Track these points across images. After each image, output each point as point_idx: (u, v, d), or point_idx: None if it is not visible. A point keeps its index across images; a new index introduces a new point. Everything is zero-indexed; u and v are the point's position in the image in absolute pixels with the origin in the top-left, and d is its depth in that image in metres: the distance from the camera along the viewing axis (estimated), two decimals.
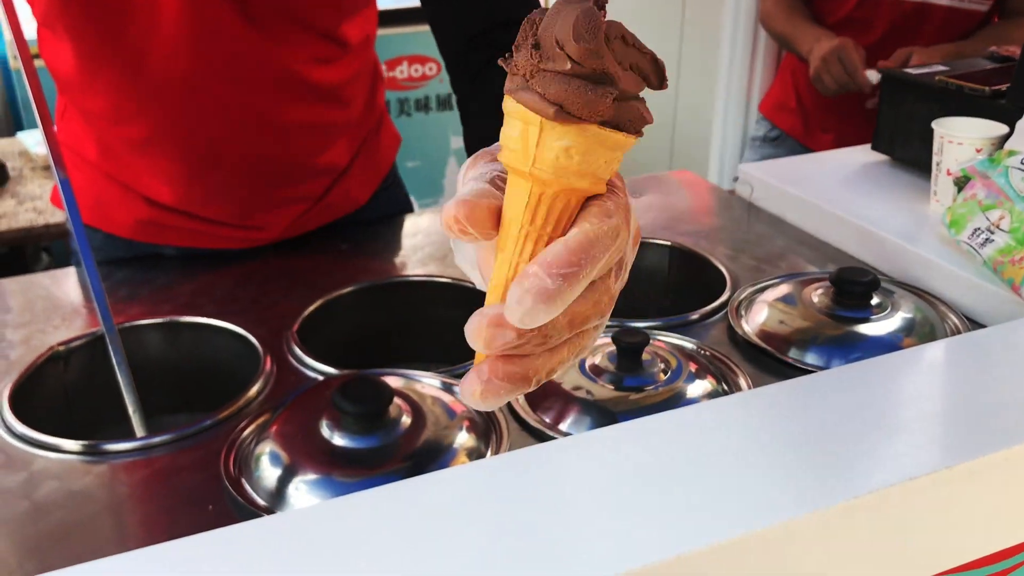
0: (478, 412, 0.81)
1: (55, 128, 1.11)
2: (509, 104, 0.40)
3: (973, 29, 1.73)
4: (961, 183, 1.04)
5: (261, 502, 0.70)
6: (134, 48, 0.95)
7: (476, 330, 0.41)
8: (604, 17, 0.38)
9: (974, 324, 0.96)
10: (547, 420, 0.81)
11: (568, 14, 0.37)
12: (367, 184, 1.20)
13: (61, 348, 0.93)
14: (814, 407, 0.74)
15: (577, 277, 0.39)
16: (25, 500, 0.73)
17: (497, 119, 0.42)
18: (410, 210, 1.30)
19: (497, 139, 0.43)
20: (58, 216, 2.23)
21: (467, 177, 0.45)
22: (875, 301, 0.95)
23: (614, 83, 0.38)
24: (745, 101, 2.54)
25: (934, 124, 1.13)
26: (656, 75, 0.41)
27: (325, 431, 0.74)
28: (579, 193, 0.41)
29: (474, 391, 0.42)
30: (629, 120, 0.40)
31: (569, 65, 0.38)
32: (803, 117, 1.86)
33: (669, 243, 1.17)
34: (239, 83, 0.99)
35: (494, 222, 0.42)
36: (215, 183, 1.05)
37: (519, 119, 0.40)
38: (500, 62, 0.41)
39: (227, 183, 1.05)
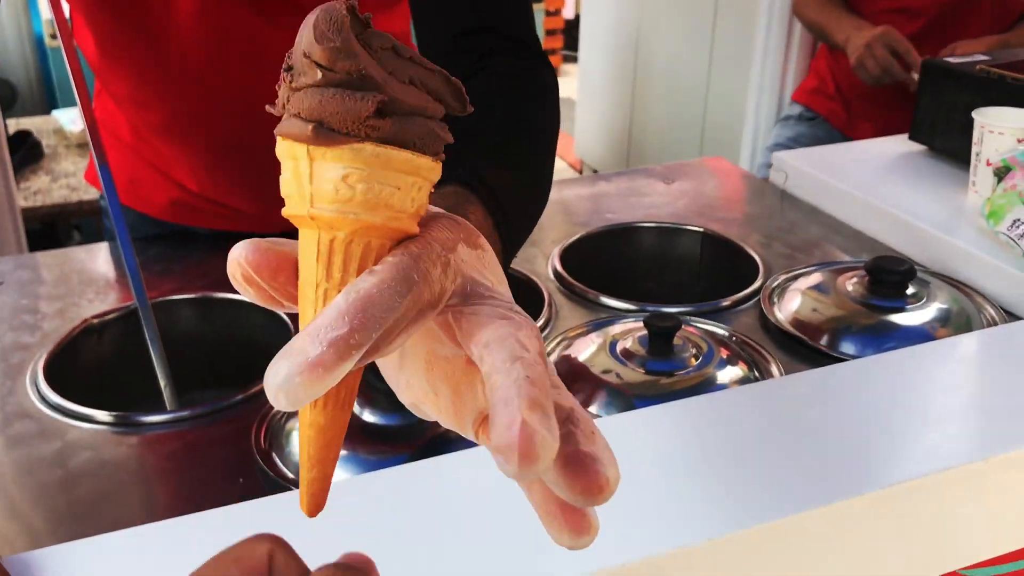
0: None
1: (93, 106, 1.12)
2: (279, 147, 0.34)
3: (1019, 20, 1.71)
4: (1001, 173, 1.02)
5: (291, 475, 0.71)
6: (152, 36, 0.95)
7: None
8: (350, 18, 0.33)
9: (1011, 316, 0.95)
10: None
11: (309, 21, 0.33)
12: None
13: (95, 321, 0.94)
14: (846, 396, 0.73)
15: (348, 343, 0.30)
16: (59, 469, 0.74)
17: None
18: None
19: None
20: (92, 193, 2.26)
21: None
22: (910, 291, 0.94)
23: (380, 88, 0.33)
24: (779, 89, 2.52)
25: (974, 113, 1.11)
26: (453, 96, 0.35)
27: (355, 407, 0.74)
28: (378, 233, 0.34)
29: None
30: (419, 138, 0.34)
31: (320, 74, 0.33)
32: (843, 103, 1.83)
33: (701, 229, 1.17)
34: (257, 73, 0.99)
35: (290, 276, 0.35)
36: (236, 173, 1.05)
37: (289, 158, 0.34)
38: (267, 107, 0.35)
39: (249, 171, 1.05)
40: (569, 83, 5.27)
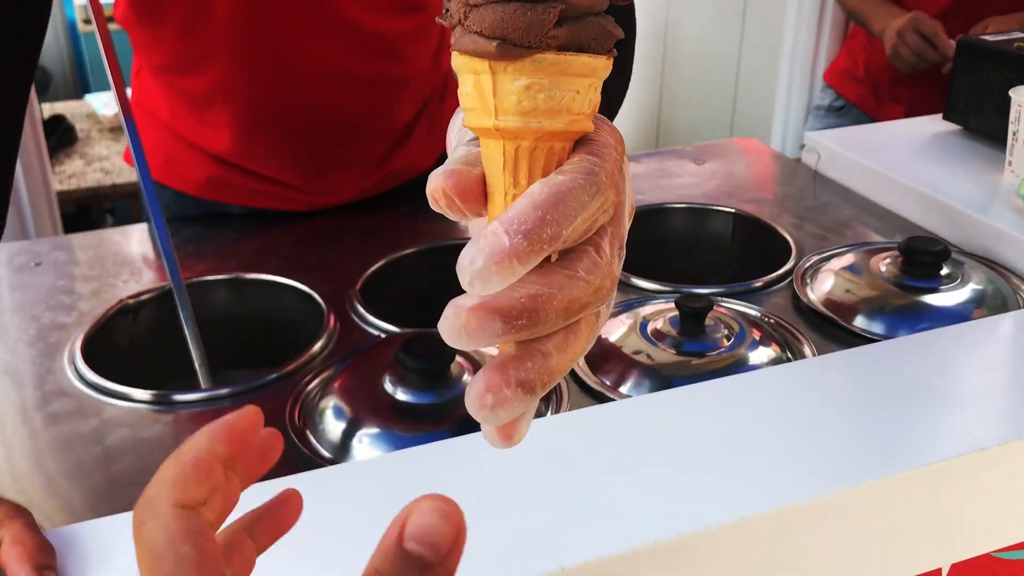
0: None
1: (128, 89, 1.13)
2: (456, 60, 0.35)
3: None
4: None
5: (325, 453, 0.71)
6: None
7: (452, 325, 0.33)
8: None
9: None
10: (607, 383, 0.81)
11: None
12: (431, 149, 1.20)
13: (131, 301, 0.95)
14: (880, 376, 0.73)
15: (540, 236, 0.32)
16: (96, 446, 0.75)
17: None
18: None
19: None
20: (124, 176, 2.28)
21: (453, 142, 0.40)
22: (945, 271, 0.93)
23: None
24: (811, 69, 2.49)
25: (1012, 92, 1.09)
26: None
27: (388, 386, 0.75)
28: (560, 138, 0.35)
29: (484, 402, 0.34)
30: (592, 39, 0.34)
31: None
32: (872, 87, 1.82)
33: (733, 210, 1.16)
34: (303, 32, 0.99)
35: (479, 194, 0.36)
36: (276, 138, 1.06)
37: (469, 72, 0.35)
38: (437, 19, 0.36)
39: (288, 138, 1.06)
40: None
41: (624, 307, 0.92)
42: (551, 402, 0.77)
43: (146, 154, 0.95)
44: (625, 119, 3.97)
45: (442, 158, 1.23)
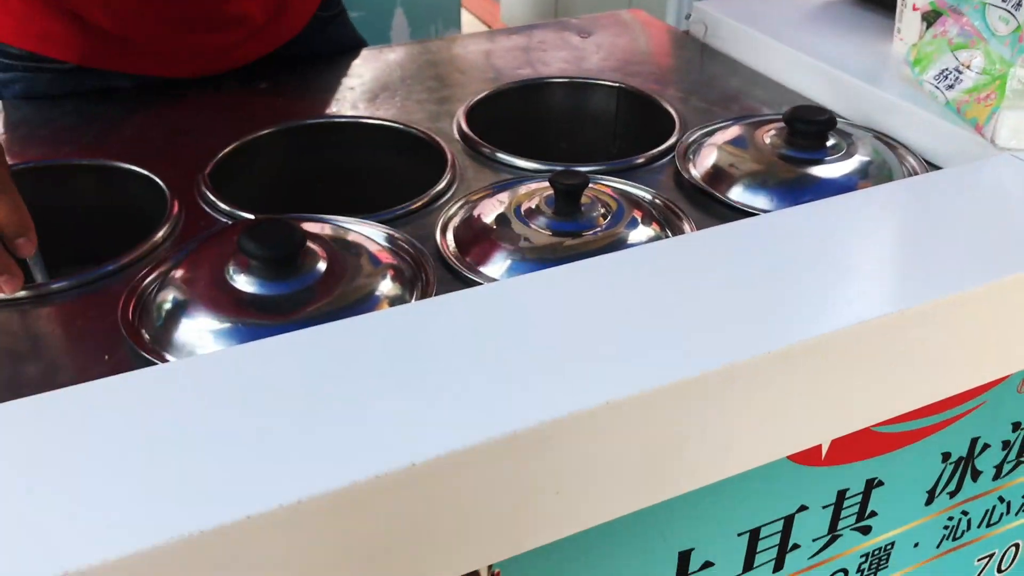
0: (403, 259, 0.75)
1: None
2: None
3: None
4: (931, 19, 0.97)
5: (163, 352, 0.64)
6: None
7: None
8: None
9: (933, 167, 0.92)
10: (478, 268, 0.75)
11: None
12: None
13: None
14: (760, 249, 0.69)
15: None
16: None
17: None
18: (362, 46, 1.21)
19: None
20: None
21: None
22: (830, 143, 0.89)
23: None
24: None
25: None
26: None
27: (232, 277, 0.68)
28: None
29: None
30: None
31: None
32: None
33: (617, 84, 1.10)
34: None
35: None
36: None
37: None
38: None
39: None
40: None
41: (500, 187, 0.86)
42: (416, 288, 0.72)
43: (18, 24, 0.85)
44: (522, 1, 3.83)
45: (322, 24, 1.15)
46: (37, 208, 0.79)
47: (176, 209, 0.82)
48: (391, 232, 0.78)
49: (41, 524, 0.44)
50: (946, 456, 0.81)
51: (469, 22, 4.05)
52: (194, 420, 0.51)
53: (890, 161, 0.90)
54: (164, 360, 0.64)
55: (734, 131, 0.95)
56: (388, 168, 1.01)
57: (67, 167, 0.91)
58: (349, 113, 1.02)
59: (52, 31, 1.00)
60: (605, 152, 1.12)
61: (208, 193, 0.84)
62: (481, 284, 0.73)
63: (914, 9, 1.03)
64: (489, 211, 0.82)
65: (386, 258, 0.74)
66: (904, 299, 0.62)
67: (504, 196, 0.84)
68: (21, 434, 0.50)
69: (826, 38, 1.12)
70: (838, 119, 0.91)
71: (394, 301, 0.70)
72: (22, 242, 0.71)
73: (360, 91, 1.07)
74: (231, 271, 0.68)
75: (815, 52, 1.08)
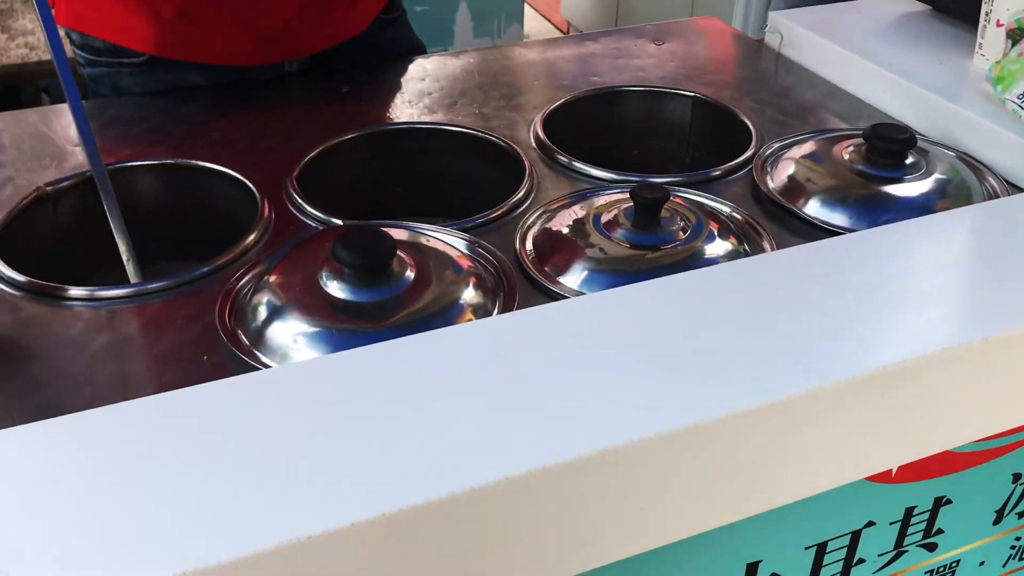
0: (485, 268, 0.77)
1: None
2: None
3: None
4: (1016, 36, 0.96)
5: (258, 354, 0.67)
6: None
7: None
8: None
9: (1014, 188, 0.91)
10: (558, 279, 0.77)
11: None
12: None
13: (49, 189, 0.89)
14: (840, 271, 0.70)
15: None
16: (11, 347, 0.70)
17: None
18: (421, 51, 1.23)
19: None
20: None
21: None
22: (910, 160, 0.89)
23: None
24: None
25: None
26: None
27: (324, 283, 0.70)
28: None
29: None
30: None
31: None
32: None
33: (692, 94, 1.11)
34: None
35: None
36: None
37: None
38: None
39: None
40: None
41: (577, 197, 0.88)
42: (498, 298, 0.73)
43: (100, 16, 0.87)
44: None
45: (383, 25, 1.17)
46: (129, 206, 0.83)
47: (266, 212, 0.85)
48: (473, 240, 0.80)
49: (154, 525, 0.47)
50: (1016, 477, 0.81)
51: (531, 15, 4.06)
52: (298, 426, 0.53)
53: (970, 181, 0.90)
54: (261, 362, 0.66)
55: (811, 145, 0.95)
56: (466, 174, 1.03)
57: (159, 167, 0.94)
58: (428, 119, 1.04)
59: (128, 22, 1.03)
60: (679, 161, 1.12)
61: (296, 196, 0.87)
62: (561, 295, 0.75)
63: (998, 25, 1.02)
64: (567, 221, 0.83)
65: (469, 267, 0.76)
66: (988, 326, 0.63)
67: (582, 206, 0.85)
68: (133, 435, 0.53)
69: (904, 51, 1.12)
70: (917, 136, 0.91)
71: (477, 309, 0.72)
72: None
73: (438, 96, 1.10)
74: (324, 277, 0.71)
75: (893, 66, 1.07)
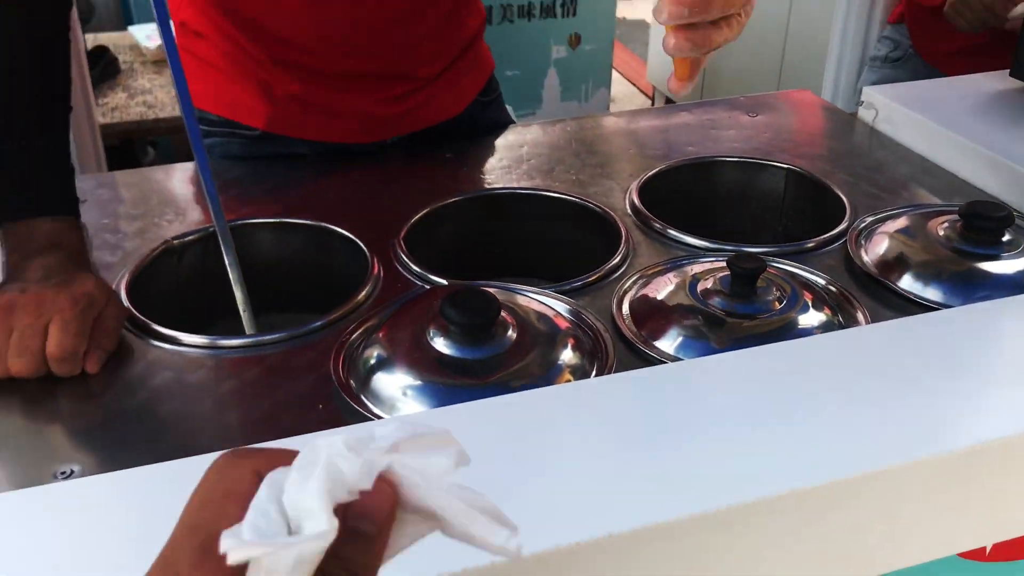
0: (583, 331, 0.79)
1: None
2: None
3: None
4: None
5: (369, 404, 0.71)
6: None
7: (659, 6, 0.63)
8: None
9: None
10: (654, 343, 0.79)
11: None
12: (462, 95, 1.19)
13: (175, 242, 0.95)
14: (935, 346, 0.71)
15: None
16: (142, 390, 0.76)
17: None
18: (510, 123, 1.28)
19: None
20: (168, 111, 2.27)
21: None
22: (1006, 238, 0.90)
23: None
24: (867, 18, 2.41)
25: None
26: None
27: (432, 339, 0.74)
28: None
29: (668, 45, 0.66)
30: None
31: None
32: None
33: (786, 166, 1.13)
34: None
35: None
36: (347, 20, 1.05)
37: None
38: None
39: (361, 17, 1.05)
40: (643, 5, 5.13)
41: (672, 264, 0.90)
42: (596, 360, 0.76)
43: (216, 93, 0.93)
44: (670, 63, 3.90)
45: (472, 106, 1.21)
46: (249, 259, 0.88)
47: (376, 269, 0.89)
48: (572, 303, 0.83)
49: None
50: None
51: (616, 79, 4.13)
52: None
53: None
54: (371, 412, 0.70)
55: (906, 220, 0.97)
56: (563, 238, 1.06)
57: (276, 224, 1.00)
58: (527, 184, 1.08)
59: (242, 100, 1.10)
60: (771, 231, 1.14)
61: (403, 255, 0.92)
62: (658, 359, 0.77)
63: None
64: (664, 288, 0.86)
65: (568, 328, 0.79)
66: None
67: (677, 273, 0.88)
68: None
69: (998, 128, 1.12)
70: (1015, 213, 0.92)
71: (575, 371, 0.75)
72: (65, 369, 0.75)
73: (536, 163, 1.14)
74: (431, 334, 0.75)
75: (987, 142, 1.08)
